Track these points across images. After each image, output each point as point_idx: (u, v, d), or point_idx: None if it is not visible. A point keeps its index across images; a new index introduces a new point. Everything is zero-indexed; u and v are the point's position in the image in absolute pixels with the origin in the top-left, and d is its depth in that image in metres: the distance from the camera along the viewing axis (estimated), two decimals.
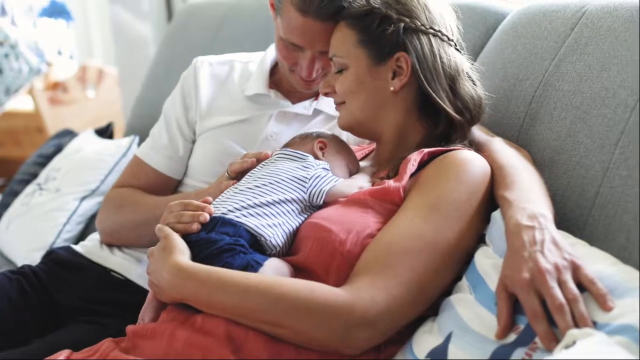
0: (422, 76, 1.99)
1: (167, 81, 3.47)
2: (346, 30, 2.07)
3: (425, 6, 2.03)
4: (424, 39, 2.00)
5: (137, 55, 4.72)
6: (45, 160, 3.58)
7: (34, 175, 3.53)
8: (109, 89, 6.08)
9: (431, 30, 2.01)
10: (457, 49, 2.07)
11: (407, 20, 2.00)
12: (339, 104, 2.12)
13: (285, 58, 2.30)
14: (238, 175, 2.09)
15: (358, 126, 2.11)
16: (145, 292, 1.99)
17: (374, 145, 2.23)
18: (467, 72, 2.06)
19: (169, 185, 2.54)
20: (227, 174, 2.13)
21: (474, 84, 2.06)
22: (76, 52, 6.73)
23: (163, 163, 2.52)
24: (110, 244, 2.55)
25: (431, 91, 1.99)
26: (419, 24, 2.00)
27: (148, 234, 1.94)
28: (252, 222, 1.85)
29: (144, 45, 4.70)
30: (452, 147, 1.95)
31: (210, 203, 1.92)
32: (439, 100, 1.99)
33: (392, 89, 2.02)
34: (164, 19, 4.69)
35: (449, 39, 2.03)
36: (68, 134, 3.80)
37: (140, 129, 3.51)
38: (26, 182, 3.54)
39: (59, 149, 3.59)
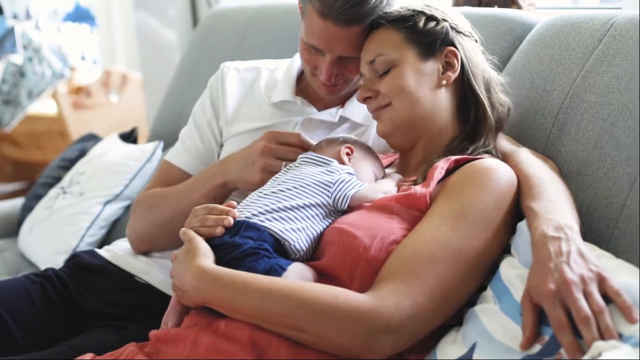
0: (470, 71, 2.04)
1: (191, 87, 3.48)
2: (389, 31, 2.08)
3: (461, 16, 2.11)
4: (466, 39, 2.07)
5: (162, 61, 4.73)
6: (69, 164, 3.59)
7: (58, 179, 3.54)
8: (132, 94, 6.09)
9: (470, 35, 2.08)
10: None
11: (451, 21, 2.06)
12: (382, 107, 2.09)
13: (306, 61, 2.31)
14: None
15: (406, 125, 2.06)
16: (169, 298, 1.99)
17: (399, 154, 2.23)
18: (496, 80, 2.10)
19: None
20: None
21: (505, 94, 2.10)
22: (99, 57, 6.75)
23: (196, 167, 2.51)
24: (144, 251, 2.54)
25: (476, 86, 2.04)
26: (460, 26, 2.07)
27: (177, 229, 1.94)
28: (276, 227, 1.85)
29: (168, 51, 4.71)
30: (478, 156, 1.95)
31: (234, 207, 1.92)
32: (481, 97, 2.03)
33: (444, 82, 2.04)
34: (189, 25, 4.69)
35: (481, 47, 2.10)
36: (92, 138, 3.81)
37: (164, 135, 3.52)
38: (50, 185, 3.55)
39: (82, 153, 3.60)
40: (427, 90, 2.04)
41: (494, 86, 2.07)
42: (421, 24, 2.05)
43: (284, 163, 2.15)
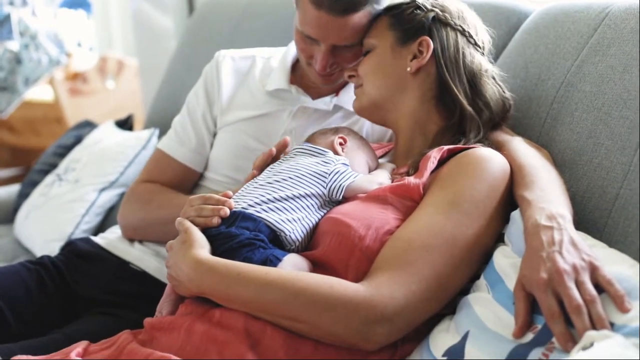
0: (442, 63, 2.05)
1: (187, 74, 3.47)
2: (384, 16, 2.15)
3: (461, 12, 2.12)
4: (451, 33, 2.08)
5: (158, 48, 4.72)
6: (65, 150, 3.58)
7: (54, 166, 3.54)
8: (128, 80, 6.08)
9: (459, 28, 2.07)
10: (484, 57, 2.11)
11: (439, 12, 2.07)
12: (357, 87, 2.18)
13: (302, 50, 2.32)
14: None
15: (373, 108, 2.15)
16: (163, 285, 1.99)
17: (393, 144, 2.24)
18: (493, 75, 2.09)
19: (193, 178, 2.55)
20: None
21: (502, 89, 2.09)
22: (96, 43, 6.74)
23: (189, 156, 2.53)
24: (132, 238, 2.55)
25: (448, 78, 2.04)
26: (449, 18, 2.08)
27: (176, 232, 1.94)
28: (272, 217, 1.86)
29: (165, 37, 4.70)
30: (471, 145, 1.95)
31: (230, 197, 1.93)
32: (454, 89, 2.03)
33: (408, 69, 2.07)
34: (185, 12, 4.69)
35: (475, 43, 2.09)
36: (88, 125, 3.80)
37: (160, 122, 3.51)
38: (45, 172, 3.54)
39: (78, 140, 3.60)
40: (396, 74, 2.09)
41: (483, 81, 2.07)
42: (408, 11, 2.10)
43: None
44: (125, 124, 3.63)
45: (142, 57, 4.98)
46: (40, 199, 3.32)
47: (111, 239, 2.57)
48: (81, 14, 6.26)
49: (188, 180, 2.53)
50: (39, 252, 3.09)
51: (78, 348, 1.84)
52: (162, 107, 3.68)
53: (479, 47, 2.10)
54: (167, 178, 2.52)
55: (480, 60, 2.08)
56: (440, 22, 2.07)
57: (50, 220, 3.19)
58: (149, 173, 2.58)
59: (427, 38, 2.06)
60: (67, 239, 2.97)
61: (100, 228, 3.16)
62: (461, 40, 2.07)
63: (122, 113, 3.95)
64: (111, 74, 6.13)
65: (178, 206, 2.02)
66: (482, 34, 2.13)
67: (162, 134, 3.27)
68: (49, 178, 3.43)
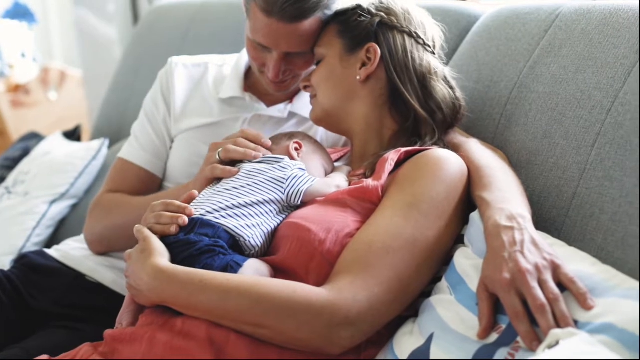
0: (391, 68, 2.05)
1: (134, 84, 3.45)
2: (332, 24, 2.15)
3: (407, 11, 2.11)
4: (398, 36, 2.07)
5: (102, 58, 4.68)
6: (12, 163, 3.53)
7: (1, 179, 3.48)
8: (71, 91, 6.01)
9: (406, 30, 2.07)
10: (435, 57, 2.11)
11: (385, 16, 2.07)
12: (312, 97, 2.19)
13: (254, 58, 2.31)
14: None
15: (327, 118, 2.15)
16: (120, 297, 1.97)
17: (348, 149, 2.25)
18: (444, 76, 2.09)
19: (156, 186, 2.52)
20: (217, 157, 2.08)
21: (452, 89, 2.09)
22: (38, 54, 6.67)
23: (153, 162, 2.50)
24: (100, 253, 2.52)
25: (399, 83, 2.04)
26: (395, 21, 2.07)
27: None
28: (231, 223, 1.85)
29: (109, 47, 4.67)
30: (428, 147, 1.96)
31: (195, 197, 1.93)
32: (406, 93, 2.03)
33: (357, 77, 2.07)
34: (129, 20, 4.66)
35: (424, 43, 2.08)
36: (35, 137, 3.75)
37: (108, 132, 3.49)
38: None
39: (26, 152, 3.55)
40: (347, 83, 2.10)
41: (433, 83, 2.06)
42: (354, 17, 2.10)
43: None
44: (73, 135, 3.59)
45: (86, 67, 4.93)
46: None
47: (66, 251, 2.55)
48: (24, 25, 6.17)
49: (152, 188, 2.49)
50: None
51: None
52: (109, 116, 3.64)
53: (429, 47, 2.10)
54: (131, 186, 2.48)
55: (429, 61, 2.08)
56: (386, 27, 2.08)
57: (1, 233, 3.14)
58: (112, 183, 2.53)
59: (374, 44, 2.06)
60: (18, 253, 2.94)
61: (51, 241, 3.12)
62: (409, 43, 2.07)
63: (65, 124, 3.91)
64: (53, 85, 6.06)
65: (137, 207, 2.00)
66: (431, 30, 2.14)
67: (111, 143, 3.25)
68: None
